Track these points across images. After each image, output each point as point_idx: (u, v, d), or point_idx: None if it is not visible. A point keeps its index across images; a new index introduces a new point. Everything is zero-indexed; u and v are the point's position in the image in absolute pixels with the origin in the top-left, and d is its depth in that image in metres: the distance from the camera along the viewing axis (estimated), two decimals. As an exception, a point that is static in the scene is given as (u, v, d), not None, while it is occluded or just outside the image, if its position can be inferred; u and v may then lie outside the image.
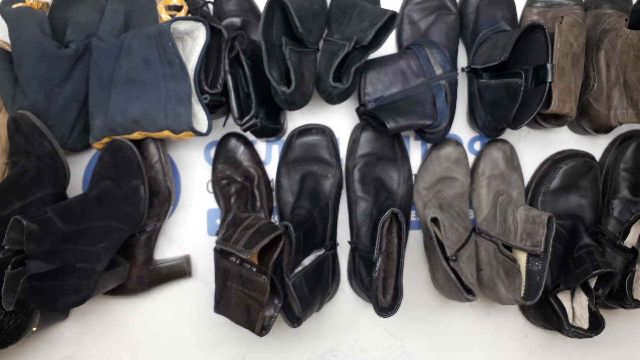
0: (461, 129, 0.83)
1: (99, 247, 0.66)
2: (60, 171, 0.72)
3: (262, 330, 0.61)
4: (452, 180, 0.77)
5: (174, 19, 0.66)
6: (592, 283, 0.71)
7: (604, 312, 0.73)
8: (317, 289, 0.70)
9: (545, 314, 0.75)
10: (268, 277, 0.60)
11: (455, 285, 0.63)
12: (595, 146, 0.83)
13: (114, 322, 0.80)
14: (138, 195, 0.71)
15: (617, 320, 0.82)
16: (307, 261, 0.69)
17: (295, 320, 0.65)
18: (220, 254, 0.65)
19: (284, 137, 0.81)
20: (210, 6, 0.81)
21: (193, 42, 0.69)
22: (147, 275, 0.76)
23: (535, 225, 0.68)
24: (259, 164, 0.79)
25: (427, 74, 0.73)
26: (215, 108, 0.72)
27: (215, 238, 0.71)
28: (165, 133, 0.68)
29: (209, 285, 0.80)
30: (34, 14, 0.72)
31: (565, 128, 0.83)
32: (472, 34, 0.79)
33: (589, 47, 0.77)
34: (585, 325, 0.71)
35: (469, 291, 0.64)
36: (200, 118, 0.68)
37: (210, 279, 0.80)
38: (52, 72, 0.71)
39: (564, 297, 0.74)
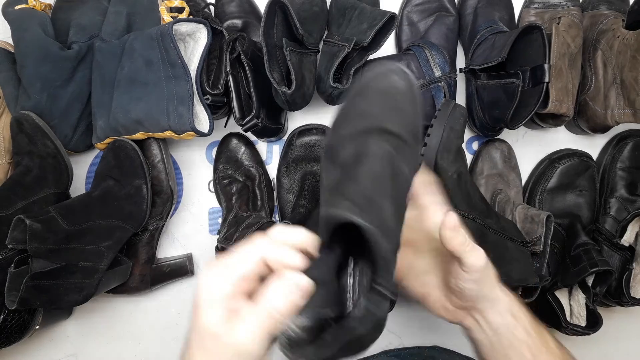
0: (460, 128, 0.83)
1: (101, 246, 0.67)
2: (63, 171, 0.73)
3: (263, 327, 0.62)
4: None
5: (176, 21, 0.67)
6: (590, 281, 0.72)
7: (601, 310, 0.73)
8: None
9: (543, 311, 0.76)
10: (269, 275, 0.60)
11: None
12: (592, 146, 0.83)
13: (117, 321, 0.80)
14: (141, 195, 0.71)
15: (615, 318, 0.82)
16: (307, 259, 0.69)
17: (296, 318, 0.65)
18: (222, 253, 0.66)
19: (285, 137, 0.81)
20: (212, 8, 0.81)
21: (195, 43, 0.69)
22: (150, 273, 0.76)
23: (534, 224, 0.68)
24: (260, 163, 0.79)
25: (427, 76, 0.73)
26: (217, 109, 0.72)
27: (217, 237, 0.71)
28: (168, 133, 0.68)
29: (211, 284, 0.81)
30: (36, 16, 0.72)
31: (562, 128, 0.84)
32: (470, 35, 0.79)
33: (586, 48, 0.77)
34: (583, 323, 0.72)
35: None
36: (202, 118, 0.69)
37: (211, 278, 0.80)
38: (55, 73, 0.71)
39: (561, 295, 0.75)
